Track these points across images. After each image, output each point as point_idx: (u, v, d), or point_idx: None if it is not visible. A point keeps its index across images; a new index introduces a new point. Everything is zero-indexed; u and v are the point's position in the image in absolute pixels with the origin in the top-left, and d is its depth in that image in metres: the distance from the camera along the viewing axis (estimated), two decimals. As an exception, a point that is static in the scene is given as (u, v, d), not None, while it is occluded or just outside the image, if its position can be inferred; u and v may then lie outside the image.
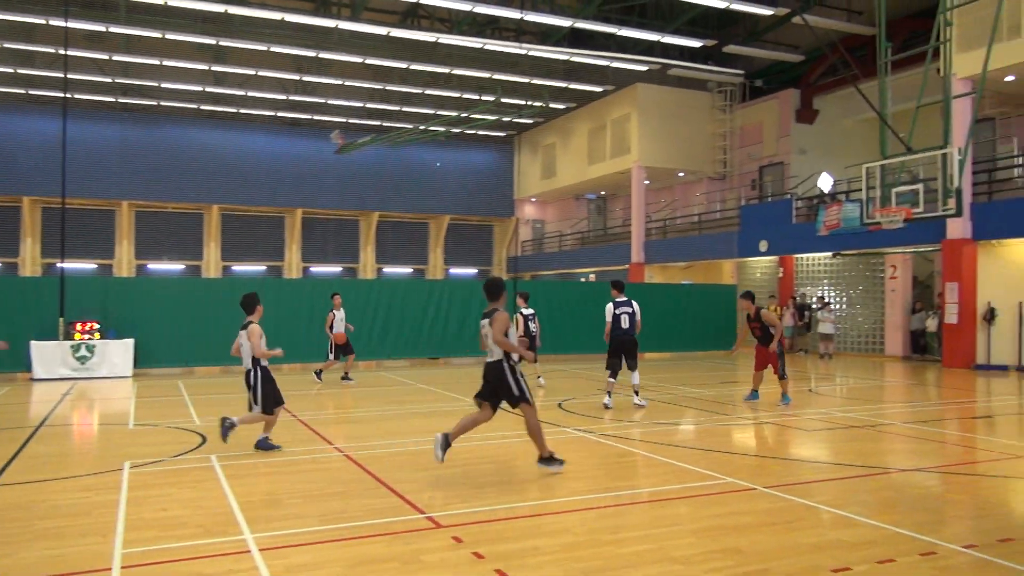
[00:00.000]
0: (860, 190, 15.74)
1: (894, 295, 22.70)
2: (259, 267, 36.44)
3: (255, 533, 5.58)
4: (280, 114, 33.85)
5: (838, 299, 24.71)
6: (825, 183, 24.02)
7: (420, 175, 37.96)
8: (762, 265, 27.50)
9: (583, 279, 35.26)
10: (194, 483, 7.16)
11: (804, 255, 25.12)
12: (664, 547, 5.28)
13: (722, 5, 21.87)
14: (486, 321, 7.53)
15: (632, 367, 12.25)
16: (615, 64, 27.27)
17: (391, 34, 24.41)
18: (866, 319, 24.00)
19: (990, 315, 18.91)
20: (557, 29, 25.72)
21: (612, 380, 12.21)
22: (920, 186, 14.51)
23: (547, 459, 7.64)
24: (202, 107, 32.48)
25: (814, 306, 24.67)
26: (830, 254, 24.24)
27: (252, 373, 8.70)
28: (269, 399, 8.64)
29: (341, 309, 15.77)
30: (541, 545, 5.34)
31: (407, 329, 19.94)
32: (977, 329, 19.11)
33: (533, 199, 40.15)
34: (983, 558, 5.08)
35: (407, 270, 39.48)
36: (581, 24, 23.76)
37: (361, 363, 19.39)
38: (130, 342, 17.08)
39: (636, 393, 12.44)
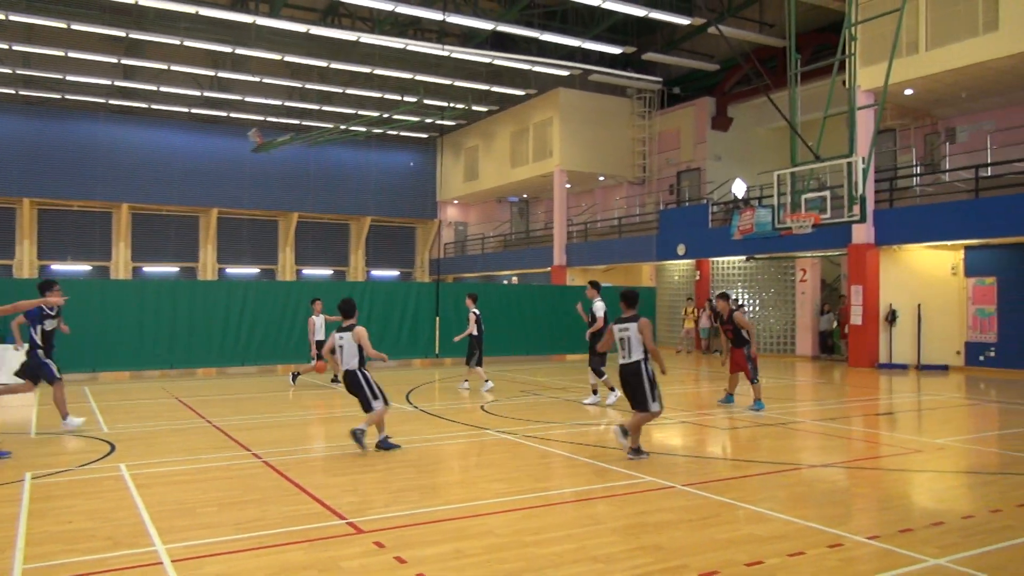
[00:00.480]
0: (772, 196, 16.33)
1: (804, 297, 23.59)
2: (172, 268, 35.24)
3: (167, 544, 5.38)
4: (195, 111, 32.80)
5: (752, 301, 25.53)
6: (739, 189, 24.81)
7: (341, 175, 37.42)
8: (680, 268, 28.18)
9: (506, 281, 35.39)
10: (101, 493, 6.86)
11: (720, 258, 25.85)
12: (586, 546, 5.34)
13: (641, 13, 22.32)
14: (632, 326, 8.29)
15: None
16: (537, 68, 27.50)
17: (311, 32, 23.99)
18: (778, 320, 24.87)
19: (891, 317, 19.87)
20: (479, 32, 25.78)
21: (604, 379, 12.65)
22: (827, 193, 15.16)
23: (635, 450, 8.30)
24: (111, 101, 31.19)
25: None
26: (744, 257, 25.02)
27: (359, 375, 8.56)
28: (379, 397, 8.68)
29: (321, 315, 15.51)
30: (464, 548, 5.33)
31: (326, 333, 19.57)
32: (880, 330, 20.04)
33: (456, 201, 40.09)
34: (885, 548, 5.33)
35: (327, 272, 38.84)
36: (503, 28, 23.87)
37: (280, 367, 18.99)
38: (31, 347, 16.23)
39: (612, 390, 12.78)
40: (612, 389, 12.76)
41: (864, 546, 5.39)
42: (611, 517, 6.10)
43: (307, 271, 38.04)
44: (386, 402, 8.76)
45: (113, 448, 8.92)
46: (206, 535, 5.62)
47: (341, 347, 8.66)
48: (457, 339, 15.71)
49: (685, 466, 8.17)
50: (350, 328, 8.63)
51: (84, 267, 33.44)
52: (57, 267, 32.82)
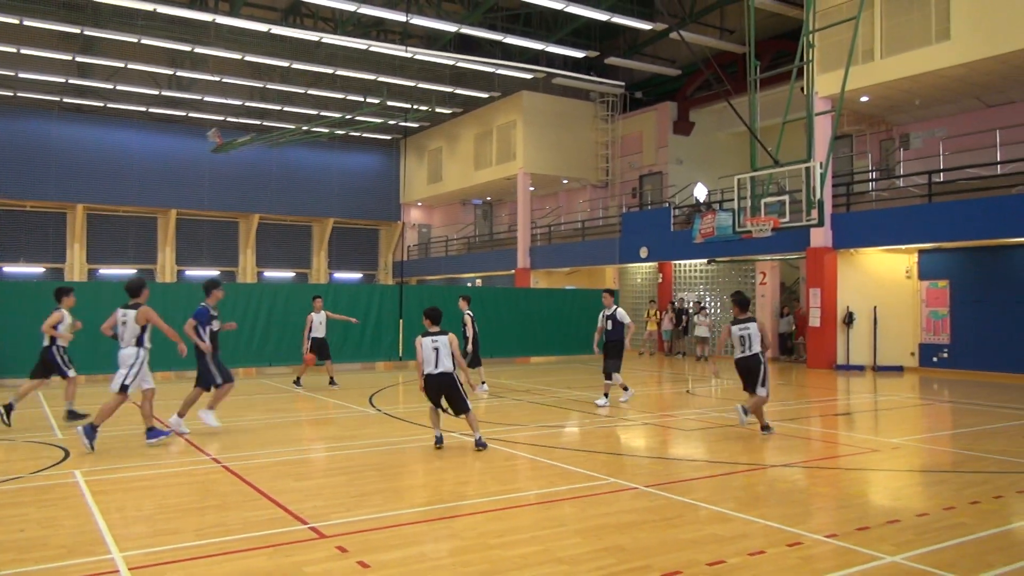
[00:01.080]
0: (733, 200, 16.54)
1: (764, 300, 23.94)
2: (129, 270, 34.52)
3: (124, 552, 5.28)
4: (152, 110, 32.22)
5: (713, 304, 25.83)
6: (700, 193, 25.10)
7: (303, 177, 37.06)
8: (643, 271, 28.41)
9: (469, 284, 35.34)
10: (56, 501, 6.70)
11: (682, 261, 26.12)
12: (550, 548, 5.36)
13: (603, 18, 22.48)
14: (752, 325, 10.03)
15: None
16: (501, 71, 27.54)
17: (272, 31, 23.72)
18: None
19: (849, 319, 20.25)
20: (443, 34, 25.73)
21: (610, 382, 12.99)
22: (786, 197, 15.41)
23: (765, 427, 10.06)
24: (65, 100, 30.49)
25: (690, 311, 25.68)
26: (706, 260, 25.31)
27: (452, 377, 8.77)
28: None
29: (323, 311, 15.87)
30: (428, 551, 5.31)
31: (289, 335, 19.34)
32: (837, 332, 20.41)
33: (419, 203, 39.95)
34: (843, 546, 5.44)
35: (289, 274, 38.42)
36: (467, 30, 23.86)
37: (241, 370, 18.72)
38: (-19, 351, 15.80)
39: (625, 389, 13.37)
40: (624, 388, 13.37)
41: (822, 544, 5.49)
42: (575, 519, 6.13)
43: (268, 273, 37.59)
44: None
45: (67, 454, 8.72)
46: (165, 542, 5.52)
47: (436, 350, 8.86)
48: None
49: (648, 467, 8.24)
50: (444, 333, 9.00)
51: (38, 269, 32.64)
52: (9, 269, 31.99)
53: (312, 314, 15.82)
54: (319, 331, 15.72)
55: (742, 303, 10.24)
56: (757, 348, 9.94)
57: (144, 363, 9.19)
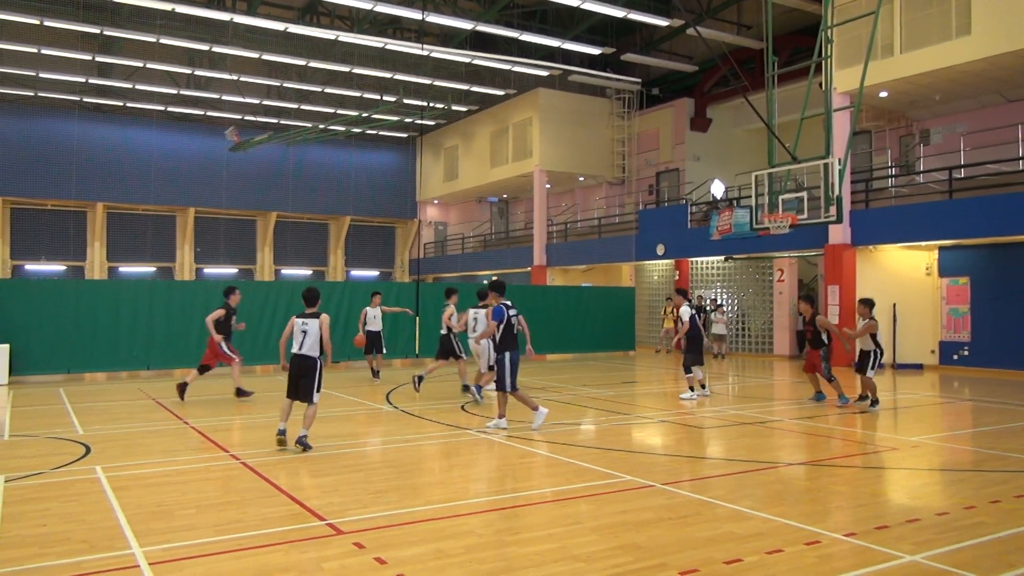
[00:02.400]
0: (750, 197, 16.45)
1: (781, 297, 23.79)
2: (148, 268, 34.88)
3: (144, 547, 5.33)
4: (171, 109, 32.48)
5: (730, 301, 25.71)
6: (717, 189, 24.98)
7: (320, 175, 37.23)
8: (659, 268, 28.31)
9: (485, 282, 35.34)
10: (77, 496, 6.78)
11: (699, 258, 26.00)
12: (566, 545, 5.36)
13: (620, 14, 22.40)
14: (872, 323, 12.14)
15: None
16: (517, 68, 27.52)
17: (289, 30, 23.82)
18: (756, 320, 25.07)
19: (867, 316, 20.07)
20: (459, 32, 25.75)
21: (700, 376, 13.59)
22: (804, 194, 15.30)
23: (874, 401, 12.18)
24: (85, 99, 30.80)
25: (708, 308, 25.58)
26: (723, 258, 25.18)
27: (314, 361, 8.81)
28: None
29: (379, 307, 16.52)
30: (444, 548, 5.33)
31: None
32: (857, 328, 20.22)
33: (435, 201, 40.02)
34: (862, 545, 5.40)
35: (306, 272, 38.62)
36: (483, 28, 23.86)
37: (259, 367, 18.86)
38: (4, 348, 15.99)
39: (703, 386, 13.76)
40: (701, 387, 13.61)
41: (841, 543, 5.45)
42: (591, 516, 6.12)
43: (286, 271, 37.80)
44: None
45: (89, 450, 8.82)
46: (184, 537, 5.58)
47: (304, 332, 8.82)
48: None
49: (665, 465, 8.22)
50: (317, 316, 8.89)
51: (58, 267, 33.01)
52: (30, 267, 32.38)
53: (367, 308, 16.44)
54: (374, 325, 16.39)
55: (871, 303, 12.49)
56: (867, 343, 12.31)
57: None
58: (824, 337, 12.93)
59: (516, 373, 10.17)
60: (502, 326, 10.14)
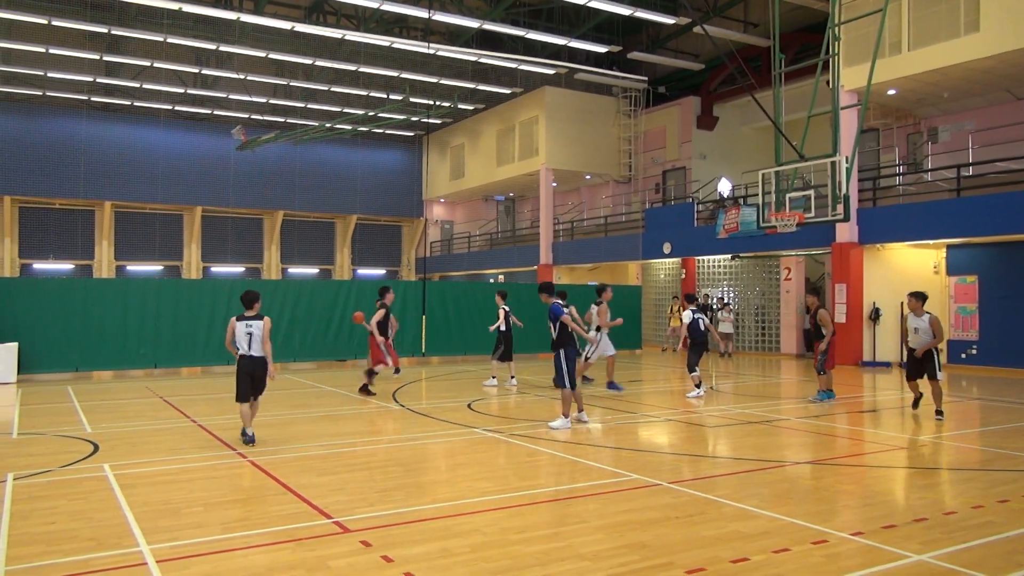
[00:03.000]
0: (757, 195, 16.40)
1: (788, 296, 23.73)
2: (156, 267, 34.99)
3: (152, 544, 5.35)
4: (178, 108, 32.58)
5: (737, 300, 25.65)
6: (724, 188, 24.92)
7: (327, 173, 37.30)
8: (666, 266, 28.26)
9: (492, 280, 35.39)
10: (85, 494, 6.81)
11: (705, 257, 25.95)
12: (572, 544, 5.36)
13: (626, 12, 22.36)
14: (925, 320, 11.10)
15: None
16: (523, 67, 27.51)
17: (295, 29, 23.86)
18: (763, 319, 25.01)
19: (875, 315, 20.02)
20: (465, 30, 25.75)
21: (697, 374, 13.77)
22: (812, 192, 15.24)
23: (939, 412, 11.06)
24: (93, 98, 30.90)
25: (714, 307, 25.52)
26: (729, 256, 25.13)
27: (264, 361, 8.96)
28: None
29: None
30: (450, 546, 5.33)
31: (313, 331, 19.51)
32: (864, 328, 20.19)
33: (442, 200, 40.04)
34: (869, 544, 5.38)
35: (313, 270, 38.69)
36: (489, 26, 23.85)
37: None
38: (13, 346, 16.06)
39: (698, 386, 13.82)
40: (698, 385, 13.67)
41: (848, 542, 5.44)
42: (597, 515, 6.12)
43: (292, 270, 37.88)
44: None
45: (96, 448, 8.86)
46: (192, 535, 5.60)
47: (250, 335, 8.93)
48: (492, 328, 15.72)
49: (671, 464, 8.21)
50: (260, 318, 9.03)
51: (66, 265, 33.15)
52: (39, 265, 32.53)
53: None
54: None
55: (924, 298, 11.47)
56: (926, 340, 11.14)
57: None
58: (824, 331, 13.00)
59: (574, 370, 10.30)
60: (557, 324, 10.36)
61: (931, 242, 19.41)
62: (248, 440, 8.96)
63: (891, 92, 19.96)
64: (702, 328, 13.87)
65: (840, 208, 14.40)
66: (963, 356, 19.34)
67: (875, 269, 20.27)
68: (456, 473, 7.84)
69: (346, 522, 5.88)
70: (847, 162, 14.49)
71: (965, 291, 19.41)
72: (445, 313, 21.41)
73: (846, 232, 19.96)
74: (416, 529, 5.74)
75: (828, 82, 16.47)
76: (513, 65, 27.43)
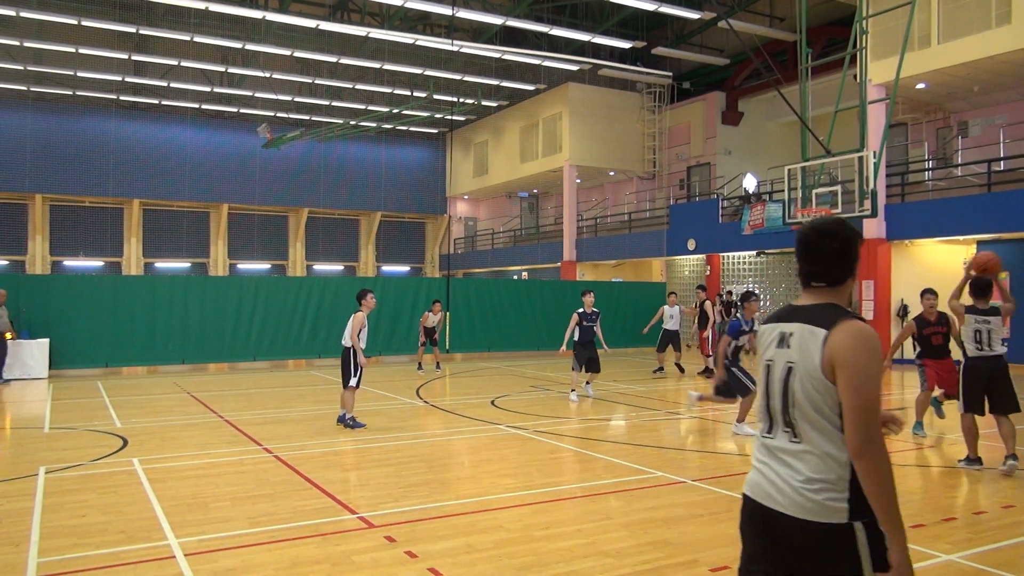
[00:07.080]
0: (783, 191, 16.27)
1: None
2: (183, 264, 35.41)
3: (180, 538, 5.43)
4: (205, 106, 32.92)
5: (762, 297, 25.44)
6: (749, 184, 24.71)
7: (351, 171, 37.48)
8: (690, 263, 28.10)
9: (515, 277, 35.40)
10: (115, 488, 6.92)
11: (730, 253, 25.77)
12: (596, 541, 5.36)
13: (651, 8, 22.22)
14: (995, 319, 7.97)
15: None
16: (547, 63, 27.45)
17: (320, 27, 24.00)
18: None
19: (903, 311, 19.75)
20: (489, 27, 25.75)
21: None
22: (838, 187, 15.10)
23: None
24: (122, 97, 31.32)
25: (739, 303, 25.33)
26: (754, 252, 24.92)
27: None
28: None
29: (676, 306, 17.13)
30: (474, 542, 5.35)
31: (338, 328, 19.60)
32: (891, 325, 19.93)
33: (466, 196, 40.10)
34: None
35: (338, 268, 38.94)
36: (513, 23, 23.84)
37: (291, 362, 19.07)
38: (45, 342, 16.36)
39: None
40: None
41: (875, 542, 5.37)
42: (621, 512, 6.11)
43: (318, 267, 38.16)
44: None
45: (126, 443, 9.00)
46: (219, 529, 5.67)
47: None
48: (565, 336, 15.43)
49: (695, 461, 8.17)
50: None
51: (96, 263, 33.65)
52: (69, 263, 33.05)
53: (664, 306, 17.05)
54: (671, 324, 16.80)
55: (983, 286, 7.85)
56: (1000, 348, 7.58)
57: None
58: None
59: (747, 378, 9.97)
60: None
61: (961, 238, 19.10)
62: (347, 424, 9.92)
63: (920, 86, 19.67)
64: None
65: (867, 204, 14.25)
66: (994, 354, 19.01)
67: (903, 265, 20.00)
68: (480, 469, 7.87)
69: (371, 517, 5.92)
70: (875, 157, 14.33)
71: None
72: (469, 310, 21.45)
73: (873, 228, 19.70)
74: (440, 525, 5.77)
75: (856, 76, 16.29)
76: (537, 61, 27.38)
